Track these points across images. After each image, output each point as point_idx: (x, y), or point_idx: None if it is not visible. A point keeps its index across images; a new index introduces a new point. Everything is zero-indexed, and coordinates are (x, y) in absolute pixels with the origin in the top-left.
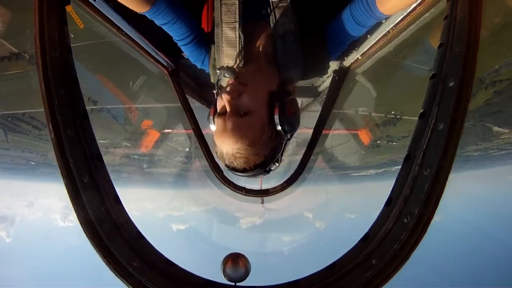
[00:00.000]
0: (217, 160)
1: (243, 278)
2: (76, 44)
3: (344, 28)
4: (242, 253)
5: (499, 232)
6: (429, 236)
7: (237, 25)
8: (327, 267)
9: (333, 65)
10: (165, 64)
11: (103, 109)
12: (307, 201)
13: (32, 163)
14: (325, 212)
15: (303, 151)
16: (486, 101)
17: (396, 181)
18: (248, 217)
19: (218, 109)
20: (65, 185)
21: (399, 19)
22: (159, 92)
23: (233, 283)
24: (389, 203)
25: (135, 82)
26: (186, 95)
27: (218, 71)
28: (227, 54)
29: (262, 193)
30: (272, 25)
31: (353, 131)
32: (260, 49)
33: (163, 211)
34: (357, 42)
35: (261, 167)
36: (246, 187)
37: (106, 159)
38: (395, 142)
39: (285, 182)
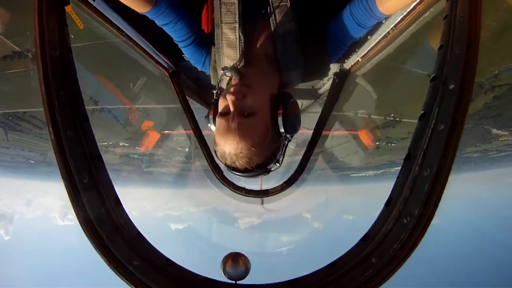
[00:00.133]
0: (217, 161)
1: (243, 276)
2: (76, 44)
3: (344, 28)
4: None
5: (498, 233)
6: (428, 236)
7: (237, 25)
8: (327, 266)
9: (334, 68)
10: (165, 65)
11: (104, 109)
12: (306, 202)
13: (32, 161)
14: (324, 213)
15: (303, 152)
16: (485, 104)
17: (396, 181)
18: (246, 217)
19: (220, 109)
20: (65, 186)
21: (399, 19)
22: (159, 93)
23: (233, 282)
24: (389, 203)
25: (136, 83)
26: (186, 97)
27: (221, 71)
28: (228, 55)
29: (262, 194)
30: (272, 25)
31: (353, 132)
32: (261, 50)
33: (162, 210)
34: (357, 44)
35: (262, 167)
36: (246, 187)
37: (106, 157)
38: (394, 144)
39: (285, 182)
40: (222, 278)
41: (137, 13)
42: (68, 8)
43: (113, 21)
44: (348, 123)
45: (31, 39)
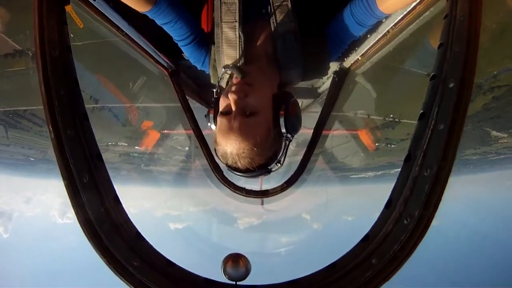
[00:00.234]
0: (217, 160)
1: (244, 277)
2: (76, 43)
3: (344, 28)
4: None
5: (498, 234)
6: (428, 237)
7: (237, 24)
8: (327, 267)
9: (333, 66)
10: (165, 65)
11: (104, 108)
12: (305, 203)
13: (31, 159)
14: (323, 214)
15: (303, 152)
16: (484, 105)
17: (397, 182)
18: (245, 217)
19: (221, 109)
20: (65, 185)
21: (399, 18)
22: (159, 92)
23: (234, 282)
24: (389, 204)
25: (136, 82)
26: (186, 96)
27: (223, 69)
28: (228, 54)
29: (262, 194)
30: (272, 24)
31: (353, 132)
32: (261, 49)
33: (161, 209)
34: (357, 43)
35: (264, 167)
36: (246, 187)
37: (105, 156)
38: (393, 145)
39: (285, 183)
40: (221, 278)
41: (137, 12)
42: (68, 8)
43: (113, 21)
44: (348, 123)
45: (30, 38)
